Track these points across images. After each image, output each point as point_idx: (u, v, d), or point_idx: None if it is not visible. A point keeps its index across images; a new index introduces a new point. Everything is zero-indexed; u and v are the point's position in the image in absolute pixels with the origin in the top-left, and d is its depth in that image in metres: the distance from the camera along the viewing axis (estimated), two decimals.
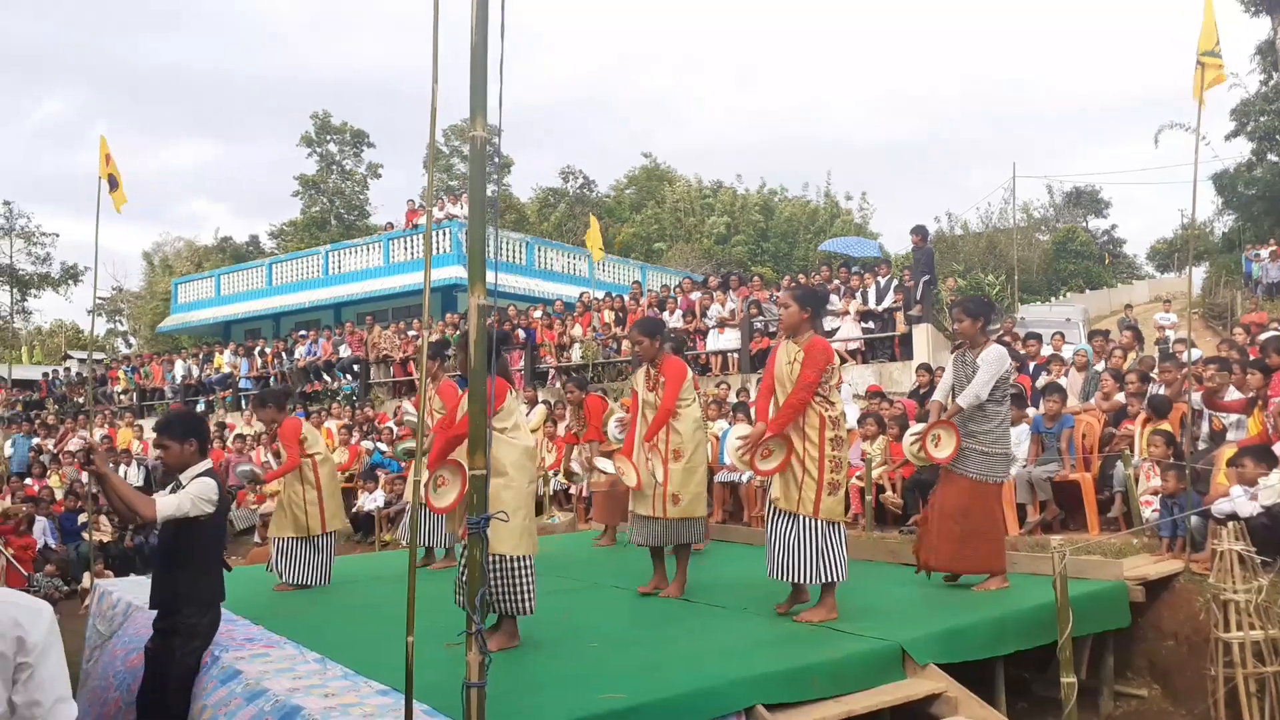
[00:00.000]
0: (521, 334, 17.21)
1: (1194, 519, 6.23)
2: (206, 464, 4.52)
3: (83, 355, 32.58)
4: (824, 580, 5.25)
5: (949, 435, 5.91)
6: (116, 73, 73.57)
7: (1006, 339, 11.51)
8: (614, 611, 5.91)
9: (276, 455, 7.11)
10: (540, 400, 13.42)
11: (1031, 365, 10.56)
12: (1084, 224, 42.67)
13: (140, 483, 14.13)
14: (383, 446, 13.45)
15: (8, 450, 19.22)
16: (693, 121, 71.87)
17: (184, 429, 4.56)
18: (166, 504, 4.29)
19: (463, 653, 3.15)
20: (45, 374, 27.32)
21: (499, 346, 5.31)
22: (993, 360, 5.91)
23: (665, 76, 75.18)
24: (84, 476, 13.88)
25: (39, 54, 73.18)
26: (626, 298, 17.15)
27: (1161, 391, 8.09)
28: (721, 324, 14.99)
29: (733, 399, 11.77)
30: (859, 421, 9.69)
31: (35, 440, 18.68)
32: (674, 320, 15.41)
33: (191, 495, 4.32)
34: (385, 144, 61.85)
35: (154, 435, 4.76)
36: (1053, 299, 30.12)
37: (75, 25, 73.83)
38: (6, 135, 72.81)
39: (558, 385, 15.91)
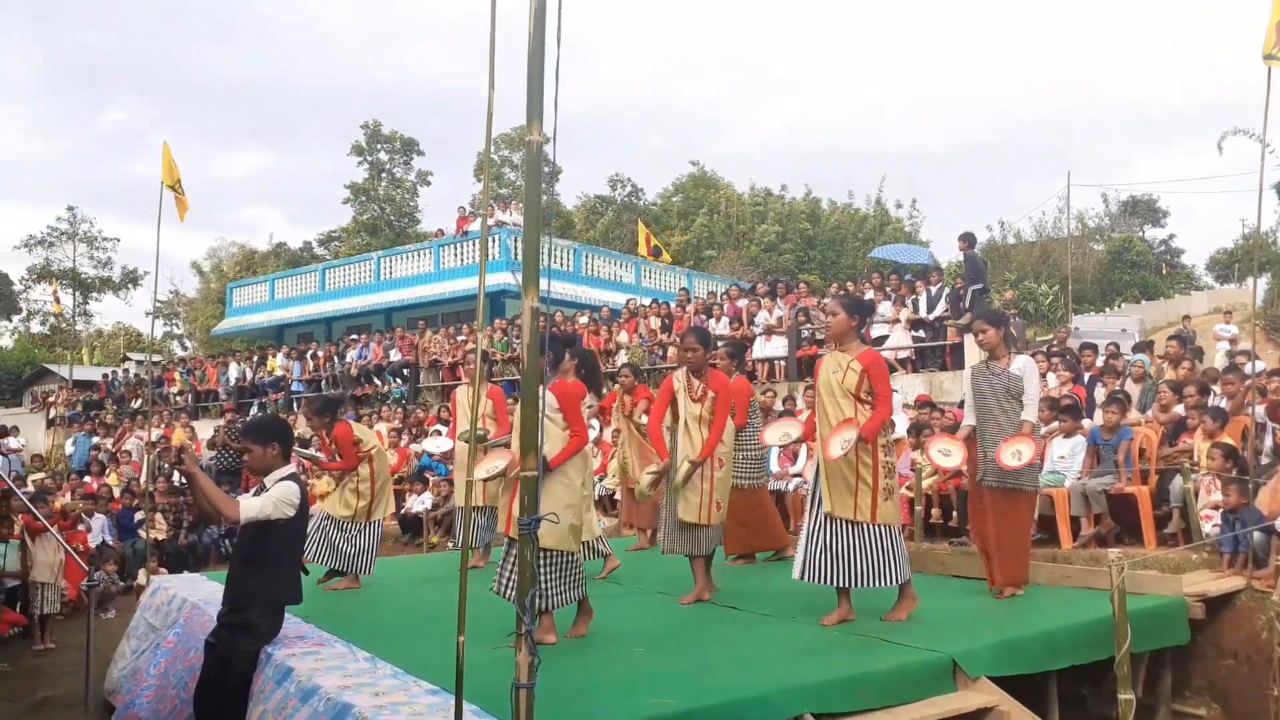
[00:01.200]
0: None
1: (1257, 535, 6.07)
2: (290, 468, 4.65)
3: (141, 357, 33.32)
4: (899, 581, 5.36)
5: (1028, 447, 5.89)
6: (176, 82, 75.37)
7: (1064, 349, 11.31)
8: (660, 618, 5.90)
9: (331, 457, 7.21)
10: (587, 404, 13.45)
11: (1086, 376, 10.37)
12: (1140, 234, 41.82)
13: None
14: (432, 449, 13.57)
15: (69, 449, 19.74)
16: (742, 130, 71.71)
17: (269, 433, 4.70)
18: (250, 506, 4.42)
19: (510, 655, 3.17)
20: (105, 375, 28.00)
21: (584, 352, 5.47)
22: (1031, 370, 6.06)
23: (715, 85, 75.12)
24: (141, 475, 14.20)
25: (102, 64, 75.34)
26: (673, 304, 17.15)
27: (1223, 404, 7.90)
28: (769, 331, 14.92)
29: (779, 407, 11.71)
30: (909, 431, 9.58)
31: (95, 439, 19.14)
32: (720, 327, 15.38)
33: (274, 498, 4.45)
34: (434, 152, 62.68)
35: (241, 438, 4.91)
36: (1107, 309, 29.54)
37: (137, 36, 75.79)
38: (71, 143, 74.96)
39: (604, 390, 15.95)
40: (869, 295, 14.01)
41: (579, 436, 5.02)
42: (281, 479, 4.55)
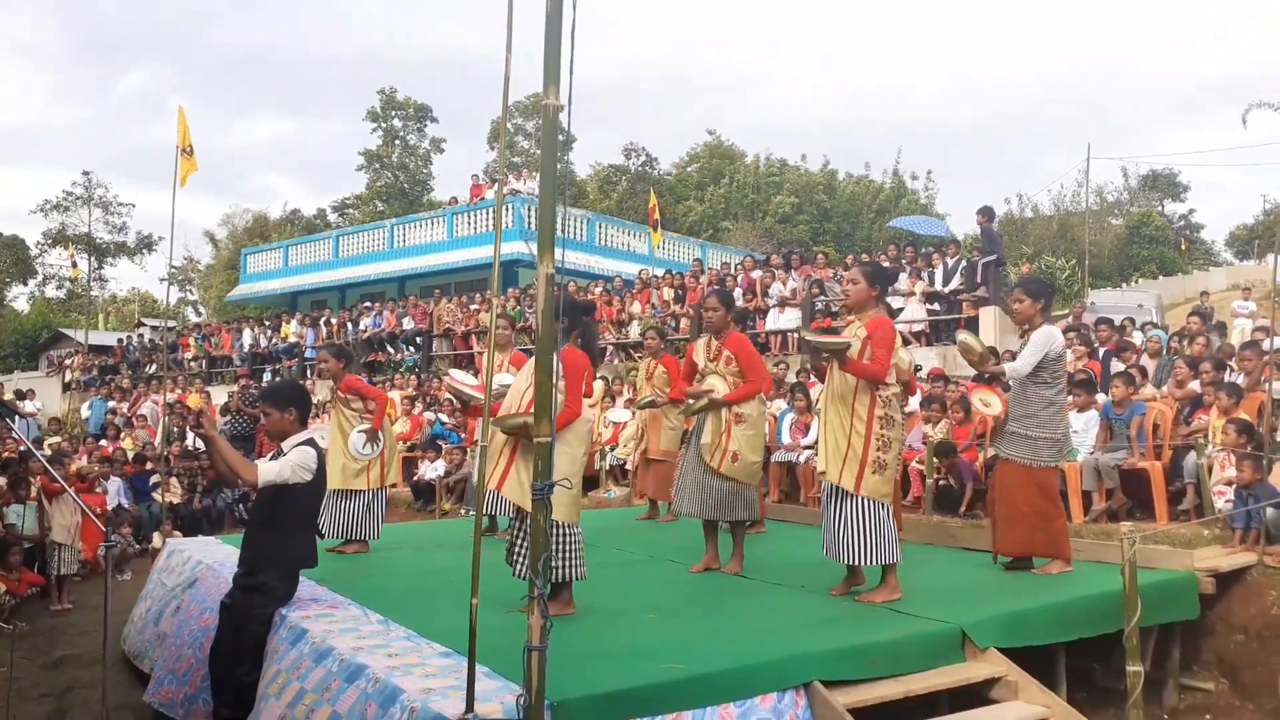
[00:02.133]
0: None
1: (1270, 511, 6.05)
2: (307, 433, 4.69)
3: (156, 322, 33.51)
4: (880, 562, 5.19)
5: (994, 399, 5.85)
6: (195, 49, 75.22)
7: (1079, 324, 11.24)
8: (671, 585, 5.94)
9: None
10: (598, 376, 13.47)
11: (1101, 351, 10.32)
12: (1160, 208, 41.43)
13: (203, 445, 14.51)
14: (444, 417, 13.64)
15: (85, 412, 19.91)
16: (763, 102, 71.19)
17: (286, 398, 4.75)
18: (268, 469, 4.46)
19: (523, 620, 3.19)
20: (120, 340, 28.18)
21: (588, 317, 5.39)
22: (1039, 338, 5.80)
23: (737, 56, 74.42)
24: (156, 439, 14.32)
25: (122, 31, 75.17)
26: (686, 275, 17.11)
27: (1240, 380, 7.86)
28: (783, 303, 14.89)
29: (791, 378, 11.70)
30: (922, 405, 9.56)
31: (111, 403, 19.30)
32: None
33: (292, 463, 4.50)
34: (448, 120, 62.47)
35: (260, 401, 4.98)
36: (1124, 285, 29.32)
37: (157, 3, 75.50)
38: (90, 109, 74.96)
39: (615, 361, 15.97)
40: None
41: (571, 409, 4.88)
42: (299, 444, 4.60)
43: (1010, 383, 6.01)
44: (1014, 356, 6.21)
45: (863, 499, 5.13)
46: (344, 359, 7.33)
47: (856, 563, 5.25)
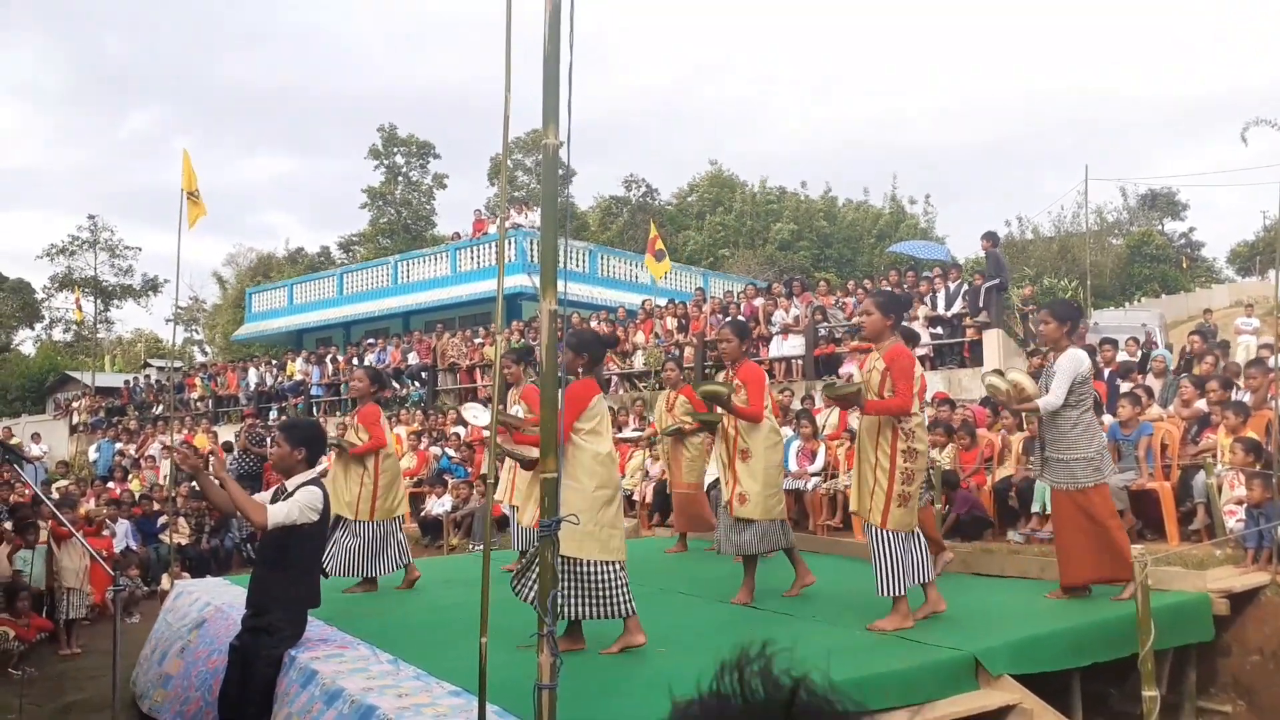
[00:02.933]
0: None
1: None
2: (313, 473, 4.70)
3: (162, 363, 33.63)
4: (891, 594, 5.18)
5: (1001, 379, 5.90)
6: (197, 89, 76.02)
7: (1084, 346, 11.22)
8: (682, 618, 5.90)
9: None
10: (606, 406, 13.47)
11: (1106, 371, 10.31)
12: (1160, 227, 41.51)
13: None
14: (450, 452, 13.64)
15: (93, 455, 19.95)
16: (763, 130, 71.64)
17: (301, 437, 4.77)
18: (276, 511, 4.48)
19: (532, 656, 3.18)
20: (127, 381, 28.24)
21: (604, 350, 5.40)
22: (1065, 364, 5.74)
23: (737, 87, 75.03)
24: (163, 480, 14.32)
25: (126, 73, 75.98)
26: (689, 304, 17.15)
27: (1246, 398, 7.84)
28: (785, 330, 14.90)
29: (796, 405, 11.69)
30: (928, 429, 9.54)
31: (118, 445, 19.33)
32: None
33: (300, 504, 4.52)
34: (449, 156, 63.02)
35: (278, 432, 5.00)
36: (1127, 304, 29.33)
37: (160, 44, 76.46)
38: (94, 151, 75.68)
39: (620, 392, 15.98)
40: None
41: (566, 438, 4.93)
42: (304, 484, 4.62)
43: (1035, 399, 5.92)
44: (1036, 379, 6.15)
45: (887, 533, 5.15)
46: (376, 384, 7.38)
47: (889, 594, 5.19)
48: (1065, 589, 5.83)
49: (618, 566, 4.79)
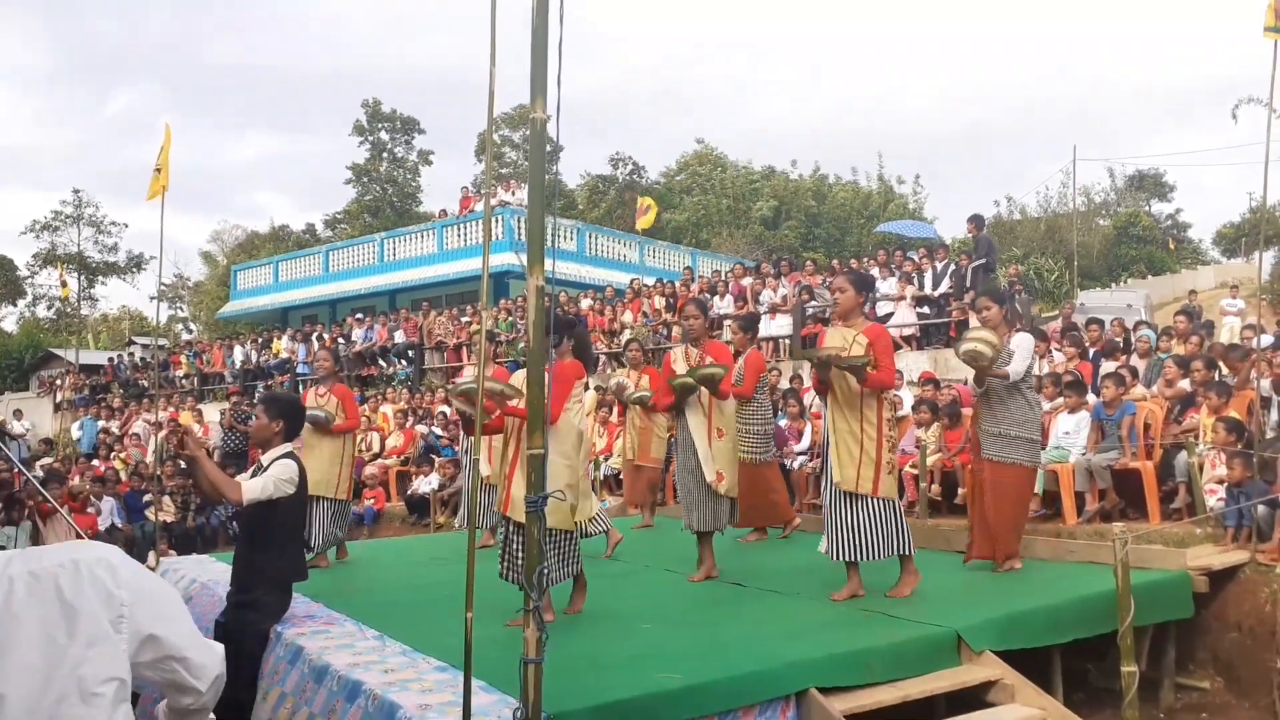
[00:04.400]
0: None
1: (1261, 508, 6.08)
2: (288, 447, 4.68)
3: (146, 341, 33.38)
4: (901, 553, 5.40)
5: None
6: (183, 68, 74.98)
7: (1070, 326, 11.28)
8: (666, 595, 5.94)
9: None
10: (592, 386, 13.47)
11: (1092, 351, 10.35)
12: (1147, 208, 41.62)
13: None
14: (437, 430, 13.63)
15: (76, 432, 19.83)
16: (752, 112, 71.27)
17: (280, 410, 4.76)
18: (252, 487, 4.46)
19: (518, 633, 3.19)
20: (111, 359, 28.05)
21: (578, 330, 5.47)
22: (1025, 342, 6.10)
23: (727, 66, 74.56)
24: (148, 458, 14.27)
25: (110, 52, 74.99)
26: (678, 283, 17.14)
27: (1229, 379, 7.89)
28: (773, 309, 14.91)
29: (784, 385, 11.72)
30: (913, 408, 9.59)
31: (102, 423, 19.22)
32: (725, 306, 15.36)
33: (274, 478, 4.50)
34: (435, 133, 62.37)
35: (258, 404, 5.02)
36: (1113, 285, 29.44)
37: (145, 22, 75.45)
38: (79, 129, 74.83)
39: (608, 371, 15.98)
40: (874, 272, 14.02)
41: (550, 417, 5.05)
42: (279, 457, 4.59)
43: (995, 388, 6.08)
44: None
45: (879, 499, 5.32)
46: (339, 363, 7.46)
47: (878, 559, 5.36)
48: (981, 558, 6.20)
49: (574, 535, 5.07)
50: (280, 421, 4.69)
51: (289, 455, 4.64)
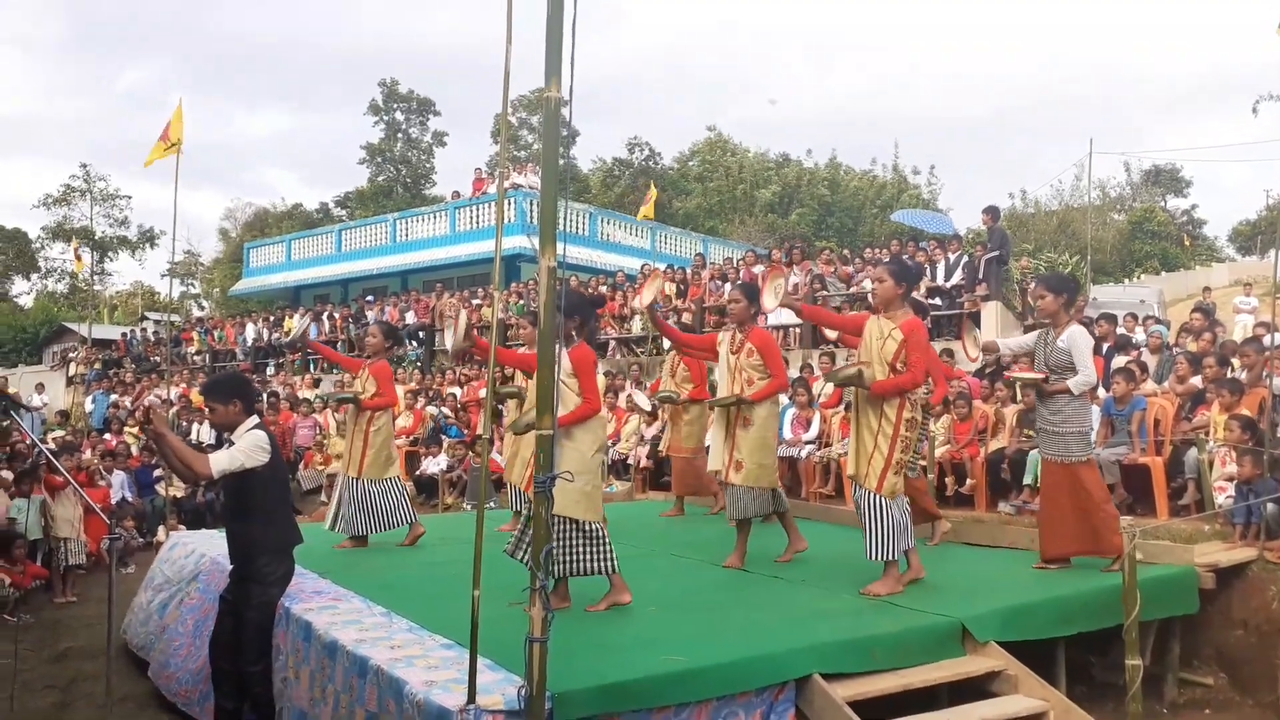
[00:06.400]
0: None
1: (1270, 506, 6.06)
2: (254, 419, 4.64)
3: (159, 316, 33.54)
4: (884, 558, 5.25)
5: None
6: (197, 43, 74.95)
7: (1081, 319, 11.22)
8: (673, 579, 5.96)
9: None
10: (602, 371, 13.48)
11: (1105, 347, 10.31)
12: (1162, 204, 41.33)
13: (212, 440, 14.55)
14: (447, 412, 13.67)
15: (88, 406, 19.96)
16: (766, 96, 70.94)
17: (228, 391, 4.67)
18: (219, 459, 4.43)
19: (523, 612, 3.21)
20: (124, 334, 28.20)
21: (593, 311, 5.46)
22: (1081, 342, 5.72)
23: (743, 51, 74.10)
24: None
25: (124, 24, 74.95)
26: (689, 270, 17.11)
27: (1241, 376, 7.86)
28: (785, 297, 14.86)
29: (794, 374, 11.70)
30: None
31: (114, 397, 19.33)
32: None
33: (243, 447, 4.46)
34: (450, 114, 62.16)
35: (201, 397, 4.97)
36: (1127, 280, 29.27)
37: None
38: (92, 102, 74.92)
39: (617, 356, 15.99)
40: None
41: (591, 404, 4.97)
42: (248, 430, 4.56)
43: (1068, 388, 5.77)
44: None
45: (881, 498, 5.21)
46: (391, 340, 7.46)
47: (873, 559, 5.26)
48: (1047, 560, 5.88)
49: (602, 525, 4.94)
50: (236, 401, 4.63)
51: (257, 426, 4.61)
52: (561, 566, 4.84)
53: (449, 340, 6.51)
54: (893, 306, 5.34)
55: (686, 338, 7.69)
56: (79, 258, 29.12)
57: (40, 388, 21.62)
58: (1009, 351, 6.54)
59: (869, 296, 5.67)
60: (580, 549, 4.87)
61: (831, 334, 10.26)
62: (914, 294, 5.47)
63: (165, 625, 6.23)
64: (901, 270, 5.50)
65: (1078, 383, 5.67)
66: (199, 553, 6.48)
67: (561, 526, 4.80)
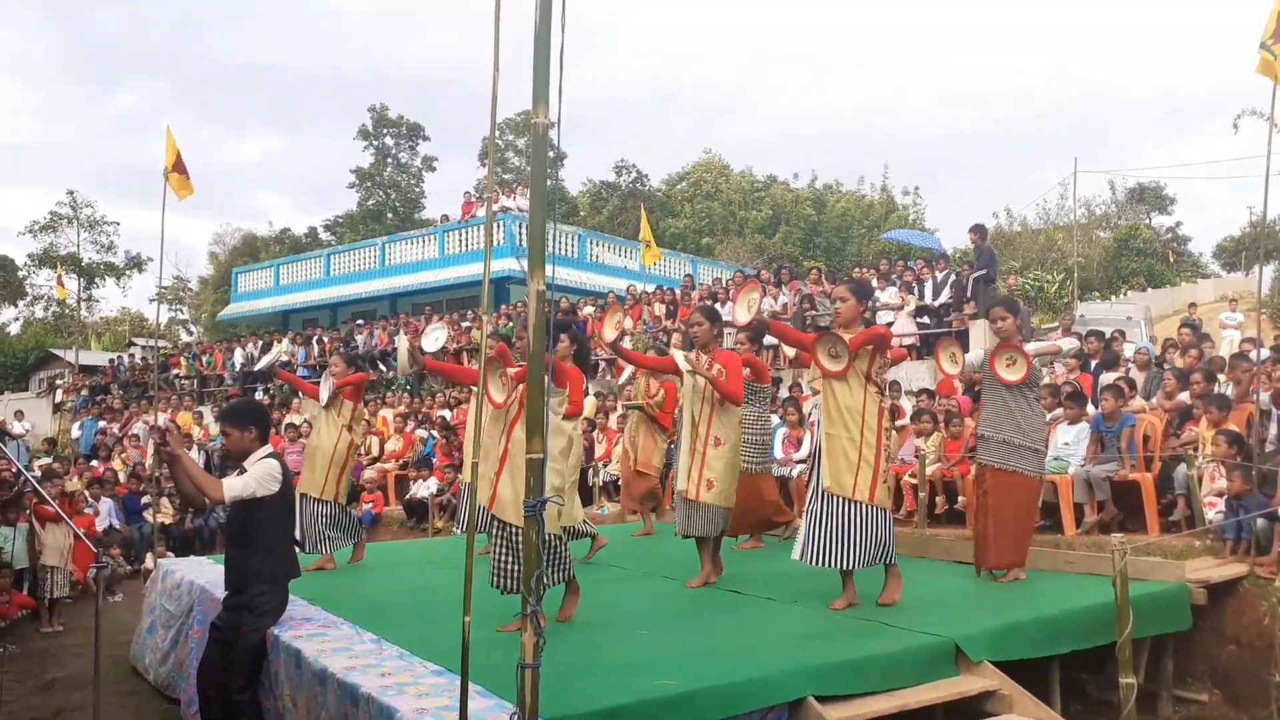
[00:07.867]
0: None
1: (1260, 521, 6.08)
2: (268, 449, 4.66)
3: (146, 342, 33.40)
4: (888, 561, 5.39)
5: (1022, 360, 5.98)
6: (188, 66, 75.05)
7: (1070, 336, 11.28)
8: (664, 600, 5.93)
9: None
10: (592, 392, 13.47)
11: (1092, 363, 10.35)
12: (1147, 221, 41.63)
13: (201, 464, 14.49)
14: (436, 435, 13.62)
15: (75, 433, 19.82)
16: (756, 117, 71.34)
17: (246, 417, 4.69)
18: (233, 485, 4.43)
19: (515, 637, 3.19)
20: (111, 360, 28.05)
21: (579, 336, 5.53)
22: (1039, 346, 6.35)
23: (731, 72, 74.73)
24: (147, 459, 14.25)
25: (114, 49, 75.10)
26: (678, 291, 17.14)
27: (1229, 391, 7.89)
28: (774, 318, 14.90)
29: (783, 394, 11.72)
30: (913, 418, 9.59)
31: (102, 423, 19.21)
32: (725, 313, 15.34)
33: (256, 475, 4.46)
34: (440, 137, 62.52)
35: (218, 423, 4.97)
36: (1113, 297, 29.42)
37: (150, 19, 75.48)
38: (82, 127, 74.90)
39: (607, 377, 15.98)
40: (874, 282, 14.04)
41: (574, 407, 5.13)
42: (262, 458, 4.57)
43: (1004, 395, 6.11)
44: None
45: (874, 507, 5.31)
46: (353, 368, 7.63)
47: (867, 565, 5.33)
48: (990, 569, 6.21)
49: (561, 535, 5.04)
50: (252, 428, 4.64)
51: (271, 455, 4.61)
52: (516, 581, 4.81)
53: (399, 366, 6.78)
54: (854, 325, 5.51)
55: (650, 360, 7.99)
56: (61, 283, 29.01)
57: (19, 415, 21.42)
58: (967, 371, 6.89)
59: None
60: (550, 560, 4.90)
61: (790, 351, 10.29)
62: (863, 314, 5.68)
63: (180, 661, 6.20)
64: (861, 289, 5.83)
65: (1066, 342, 6.13)
66: (189, 580, 6.43)
67: (518, 539, 4.78)
